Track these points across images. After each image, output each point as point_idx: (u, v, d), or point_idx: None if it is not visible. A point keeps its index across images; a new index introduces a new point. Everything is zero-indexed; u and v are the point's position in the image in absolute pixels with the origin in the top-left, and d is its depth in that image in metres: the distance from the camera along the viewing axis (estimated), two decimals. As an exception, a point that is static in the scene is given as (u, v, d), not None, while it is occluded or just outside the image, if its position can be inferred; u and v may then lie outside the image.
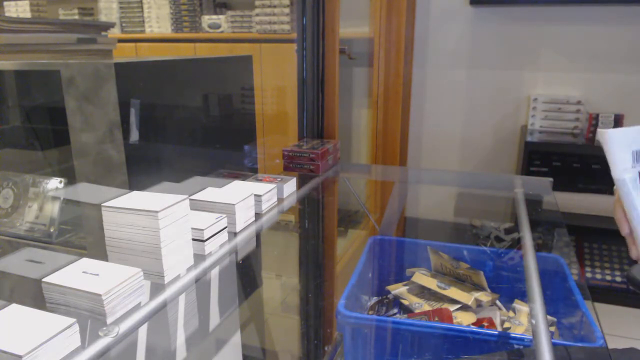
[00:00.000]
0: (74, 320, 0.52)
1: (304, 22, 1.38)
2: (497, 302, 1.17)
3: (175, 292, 0.68)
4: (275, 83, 2.40)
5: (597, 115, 2.06)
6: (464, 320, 1.07)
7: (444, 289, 1.14)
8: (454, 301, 1.12)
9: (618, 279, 2.13)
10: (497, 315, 1.11)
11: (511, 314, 1.11)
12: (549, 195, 1.25)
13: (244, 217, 0.89)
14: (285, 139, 2.42)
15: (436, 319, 1.03)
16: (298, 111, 1.45)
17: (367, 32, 2.35)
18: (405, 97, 2.40)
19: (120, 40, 1.56)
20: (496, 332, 0.95)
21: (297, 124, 1.47)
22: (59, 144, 1.20)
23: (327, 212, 1.32)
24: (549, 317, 1.03)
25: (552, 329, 1.05)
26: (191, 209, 0.75)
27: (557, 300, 1.07)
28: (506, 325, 1.06)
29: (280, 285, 1.25)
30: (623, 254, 2.21)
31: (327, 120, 1.48)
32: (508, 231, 1.80)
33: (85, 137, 0.88)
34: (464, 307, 1.11)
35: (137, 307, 0.61)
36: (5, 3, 2.64)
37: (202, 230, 0.76)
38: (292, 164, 1.29)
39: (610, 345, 0.79)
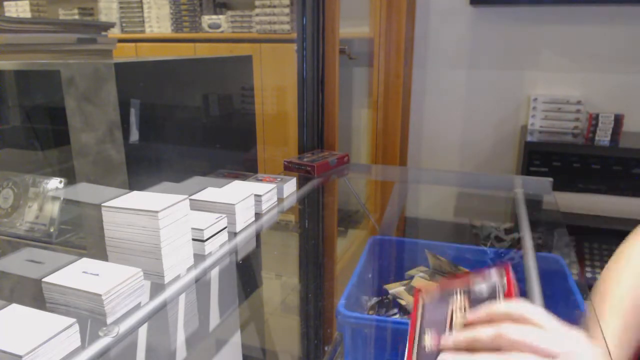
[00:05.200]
0: (74, 320, 0.52)
1: (304, 22, 1.38)
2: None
3: (175, 292, 0.68)
4: (275, 83, 2.40)
5: (597, 115, 2.06)
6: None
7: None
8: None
9: (618, 279, 2.13)
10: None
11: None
12: (549, 195, 1.25)
13: (244, 217, 0.89)
14: (285, 139, 2.42)
15: None
16: (298, 111, 1.45)
17: (367, 32, 2.35)
18: (405, 97, 2.40)
19: (120, 40, 1.56)
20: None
21: (297, 123, 1.47)
22: (59, 144, 1.20)
23: (327, 212, 1.32)
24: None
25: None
26: (191, 209, 0.75)
27: (557, 300, 1.07)
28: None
29: (280, 285, 1.25)
30: (623, 254, 2.20)
31: (327, 121, 1.48)
32: (508, 231, 1.79)
33: (85, 137, 0.88)
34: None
35: (137, 307, 0.61)
36: (5, 3, 2.64)
37: (202, 230, 0.76)
38: (291, 165, 1.30)
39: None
